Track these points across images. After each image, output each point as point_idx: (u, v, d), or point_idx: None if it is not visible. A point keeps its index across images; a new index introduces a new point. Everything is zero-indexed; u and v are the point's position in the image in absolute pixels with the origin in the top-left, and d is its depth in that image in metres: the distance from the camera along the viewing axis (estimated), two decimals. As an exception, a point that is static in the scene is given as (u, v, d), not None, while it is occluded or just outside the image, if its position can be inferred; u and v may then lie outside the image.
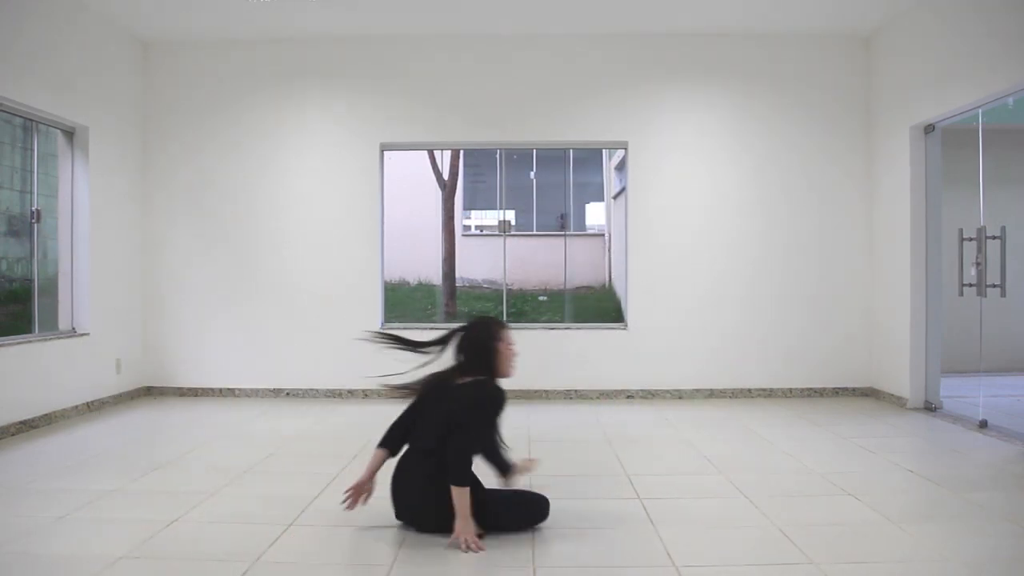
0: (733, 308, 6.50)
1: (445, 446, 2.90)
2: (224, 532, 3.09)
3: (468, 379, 3.04)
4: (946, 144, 5.82)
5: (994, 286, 4.97)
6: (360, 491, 3.13)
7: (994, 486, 3.77)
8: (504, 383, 3.05)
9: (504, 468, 3.18)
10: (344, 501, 3.11)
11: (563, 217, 8.60)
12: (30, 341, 5.25)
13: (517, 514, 3.10)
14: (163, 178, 6.62)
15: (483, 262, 11.02)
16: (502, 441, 3.17)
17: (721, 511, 3.30)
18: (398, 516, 3.11)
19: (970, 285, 5.12)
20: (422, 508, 3.02)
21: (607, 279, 10.82)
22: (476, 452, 2.99)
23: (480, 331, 3.11)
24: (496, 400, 3.00)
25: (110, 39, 6.11)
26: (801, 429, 5.14)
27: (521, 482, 3.26)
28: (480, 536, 2.90)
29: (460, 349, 3.09)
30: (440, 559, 2.82)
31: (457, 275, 9.87)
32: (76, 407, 5.63)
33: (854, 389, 6.47)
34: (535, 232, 11.44)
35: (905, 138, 5.89)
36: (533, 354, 6.43)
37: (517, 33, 6.47)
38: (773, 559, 2.78)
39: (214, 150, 6.59)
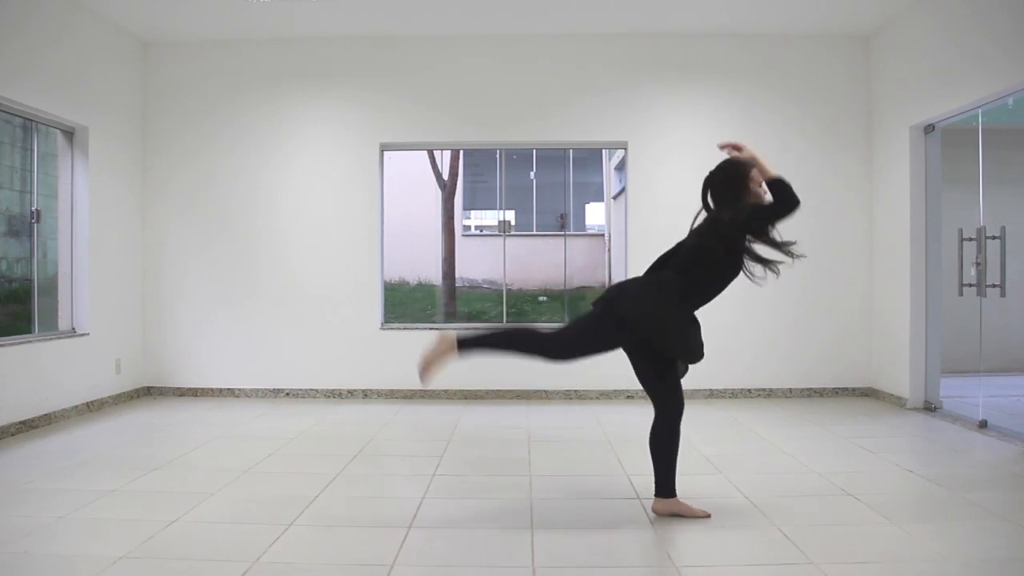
0: (733, 308, 6.46)
1: (700, 264, 3.30)
2: (224, 532, 3.09)
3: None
4: (946, 144, 5.82)
5: (994, 286, 4.97)
6: None
7: (993, 486, 3.77)
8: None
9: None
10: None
11: (563, 217, 8.60)
12: (30, 341, 5.25)
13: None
14: (163, 178, 6.62)
15: (483, 262, 11.04)
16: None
17: (721, 511, 3.30)
18: (601, 311, 3.20)
19: (970, 285, 5.12)
20: (652, 319, 3.18)
21: (607, 279, 10.83)
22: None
23: (727, 170, 3.33)
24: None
25: (110, 39, 6.11)
26: (801, 429, 5.15)
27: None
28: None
29: (713, 192, 3.37)
30: (441, 558, 2.82)
31: (457, 275, 9.89)
32: (76, 407, 5.63)
33: (854, 389, 6.47)
34: (535, 232, 11.46)
35: (905, 138, 5.89)
36: (533, 354, 6.46)
37: (517, 33, 6.47)
38: (773, 559, 2.78)
39: (214, 150, 6.59)
